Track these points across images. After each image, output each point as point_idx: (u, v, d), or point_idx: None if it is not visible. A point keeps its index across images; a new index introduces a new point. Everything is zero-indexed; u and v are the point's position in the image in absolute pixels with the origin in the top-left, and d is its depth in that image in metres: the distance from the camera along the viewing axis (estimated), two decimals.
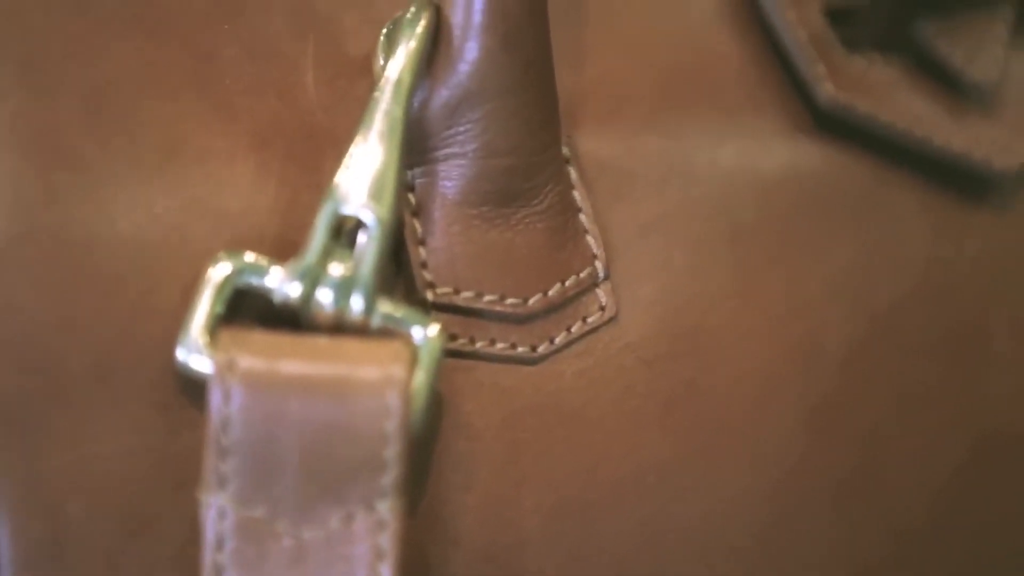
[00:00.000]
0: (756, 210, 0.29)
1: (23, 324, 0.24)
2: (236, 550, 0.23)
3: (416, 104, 0.26)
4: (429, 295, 0.26)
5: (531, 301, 0.27)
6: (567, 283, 0.27)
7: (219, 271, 0.24)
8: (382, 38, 0.26)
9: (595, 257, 0.28)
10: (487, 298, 0.26)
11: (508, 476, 0.26)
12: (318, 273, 0.24)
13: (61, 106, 0.25)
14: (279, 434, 0.23)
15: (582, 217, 0.28)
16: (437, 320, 0.26)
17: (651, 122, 0.29)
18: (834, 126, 0.30)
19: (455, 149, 0.26)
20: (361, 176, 0.25)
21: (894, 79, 0.30)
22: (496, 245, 0.27)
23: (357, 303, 0.24)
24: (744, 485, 0.28)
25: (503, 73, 0.26)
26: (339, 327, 0.24)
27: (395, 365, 0.24)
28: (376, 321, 0.25)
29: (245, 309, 0.25)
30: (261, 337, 0.24)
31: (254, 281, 0.24)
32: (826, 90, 0.29)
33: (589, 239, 0.28)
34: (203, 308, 0.24)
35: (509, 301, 0.27)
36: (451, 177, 0.26)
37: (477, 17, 0.26)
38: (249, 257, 0.25)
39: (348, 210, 0.24)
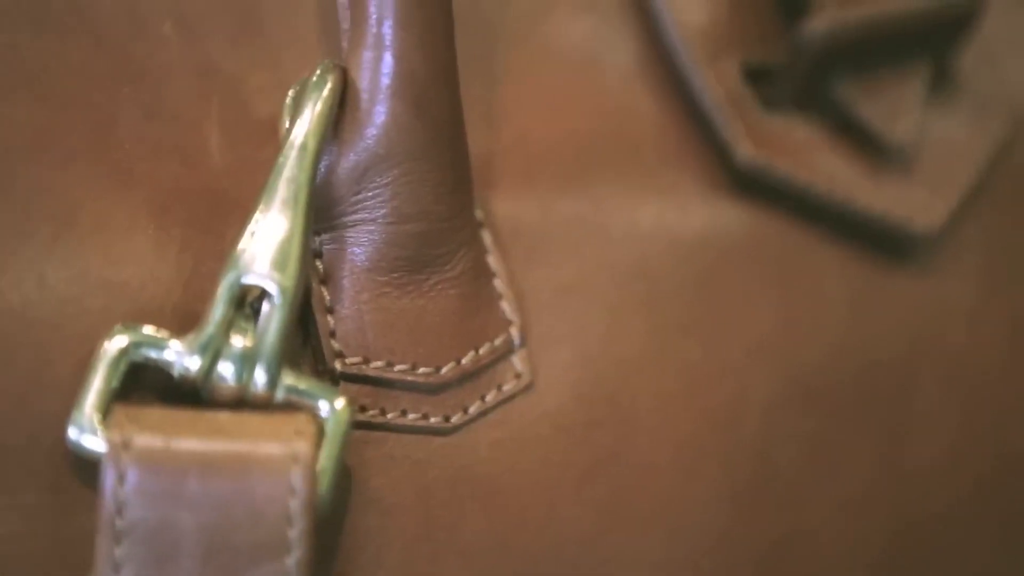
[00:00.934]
0: (674, 273, 0.28)
1: None
2: None
3: (323, 169, 0.25)
4: (337, 365, 0.25)
5: (444, 370, 0.26)
6: (481, 351, 0.26)
7: (114, 345, 0.23)
8: (288, 100, 0.25)
9: (510, 323, 0.27)
10: (398, 367, 0.25)
11: (421, 552, 0.25)
12: (219, 345, 0.23)
13: None
14: (177, 516, 0.22)
15: (497, 282, 0.27)
16: (346, 391, 0.25)
17: (567, 184, 0.28)
18: (753, 187, 0.29)
19: (364, 215, 0.25)
20: (264, 244, 0.24)
21: (813, 139, 0.30)
22: (407, 313, 0.26)
23: (260, 376, 0.23)
24: (666, 556, 0.27)
25: (412, 137, 0.25)
26: (242, 402, 0.23)
27: (299, 440, 0.23)
28: (280, 395, 0.23)
29: (144, 385, 0.24)
30: (158, 414, 0.23)
31: (152, 355, 0.23)
32: (744, 151, 0.29)
33: (504, 305, 0.27)
34: (96, 384, 0.23)
35: (421, 370, 0.26)
36: (360, 243, 0.25)
37: (385, 80, 0.25)
38: (147, 330, 0.23)
39: (251, 279, 0.23)
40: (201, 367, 0.23)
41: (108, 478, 0.22)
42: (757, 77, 0.30)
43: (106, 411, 0.23)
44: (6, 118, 0.24)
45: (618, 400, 0.27)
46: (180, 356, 0.23)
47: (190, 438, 0.22)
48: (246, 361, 0.23)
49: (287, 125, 0.25)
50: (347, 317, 0.25)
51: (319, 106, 0.24)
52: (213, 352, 0.23)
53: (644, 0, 0.30)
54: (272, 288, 0.23)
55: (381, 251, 0.25)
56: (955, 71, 0.31)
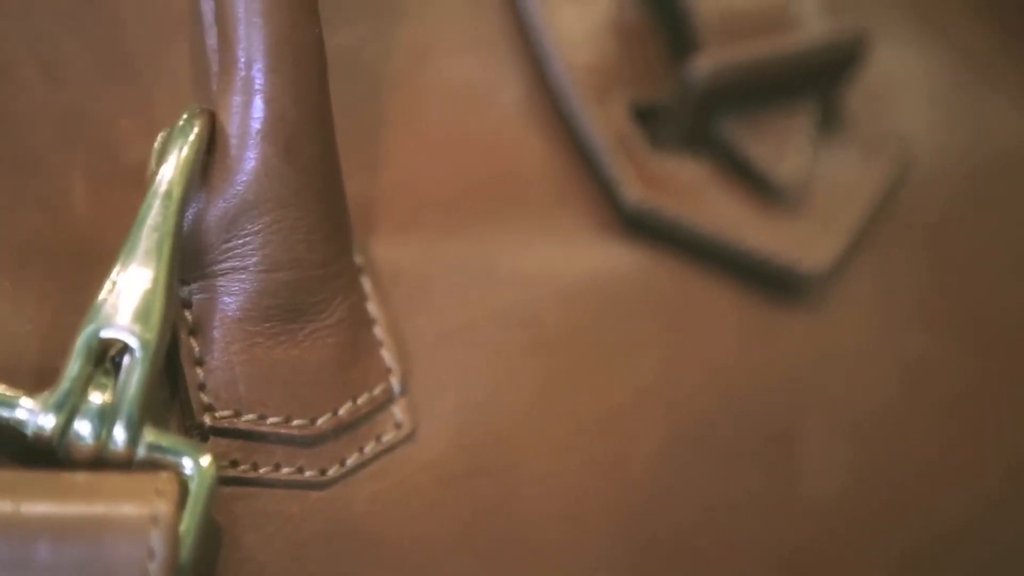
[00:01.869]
0: (561, 317, 0.27)
1: None
2: None
3: (191, 216, 0.24)
4: (207, 420, 0.24)
5: (319, 421, 0.25)
6: (359, 401, 0.25)
7: None
8: (156, 145, 0.24)
9: (390, 372, 0.25)
10: (271, 420, 0.24)
11: None
12: (76, 402, 0.22)
13: None
14: None
15: (377, 330, 0.26)
16: (216, 446, 0.23)
17: (452, 226, 0.27)
18: (642, 228, 0.28)
19: (235, 263, 0.24)
20: (126, 295, 0.22)
21: (702, 179, 0.29)
22: (281, 363, 0.24)
23: (120, 434, 0.22)
24: None
25: (283, 183, 0.24)
26: (100, 461, 0.22)
27: (160, 501, 0.21)
28: (142, 452, 0.22)
29: None
30: (9, 476, 0.21)
31: (3, 414, 0.22)
32: (632, 192, 0.28)
33: (384, 353, 0.26)
34: None
35: (295, 423, 0.24)
36: (231, 293, 0.24)
37: (255, 125, 0.23)
38: None
39: (110, 333, 0.22)
40: (56, 425, 0.22)
41: None
42: (646, 116, 0.29)
43: None
44: None
45: (503, 449, 0.26)
46: (33, 415, 0.22)
47: (42, 501, 0.21)
48: (105, 418, 0.22)
49: (154, 172, 0.24)
50: (217, 369, 0.24)
51: (185, 152, 0.23)
52: (70, 409, 0.22)
53: (531, 38, 0.29)
54: (133, 341, 0.22)
55: (253, 300, 0.24)
56: (843, 109, 0.30)
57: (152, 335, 0.22)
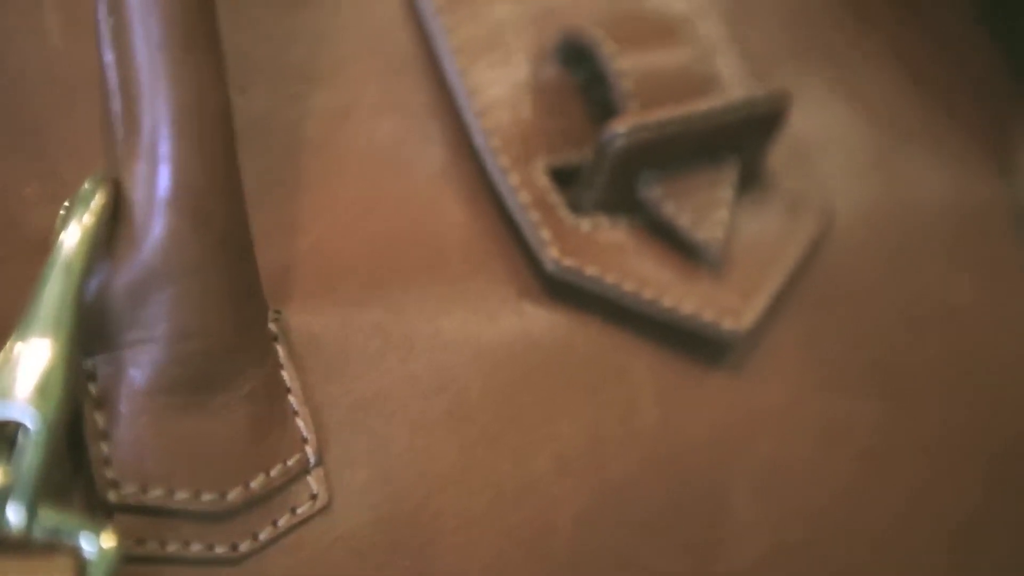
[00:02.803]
0: (481, 384, 0.26)
1: None
2: None
3: (96, 286, 0.22)
4: (111, 496, 0.22)
5: (230, 495, 0.23)
6: (273, 472, 0.24)
7: None
8: (61, 213, 0.23)
9: (305, 442, 0.24)
10: (179, 495, 0.23)
11: None
12: None
13: None
14: None
15: (291, 399, 0.24)
16: (121, 524, 0.22)
17: (369, 292, 0.26)
18: (563, 291, 0.27)
19: (142, 334, 0.23)
20: (23, 370, 0.21)
21: (623, 241, 0.28)
22: (190, 436, 0.23)
23: (15, 514, 0.21)
24: None
25: (191, 251, 0.22)
26: None
27: None
28: (39, 533, 0.21)
29: None
30: None
31: None
32: (552, 255, 0.27)
33: (299, 422, 0.24)
34: None
35: (205, 497, 0.23)
36: (138, 364, 0.23)
37: (160, 192, 0.22)
38: None
39: (6, 410, 0.21)
40: None
41: None
42: (565, 179, 0.28)
43: None
44: None
45: (421, 520, 0.25)
46: None
47: None
48: None
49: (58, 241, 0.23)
50: (124, 443, 0.23)
51: (87, 220, 0.22)
52: None
53: (451, 100, 0.28)
54: (29, 418, 0.21)
55: (161, 371, 0.23)
56: (765, 170, 0.30)
57: (50, 411, 0.21)
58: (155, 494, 0.23)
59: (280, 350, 0.25)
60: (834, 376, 0.29)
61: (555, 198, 0.28)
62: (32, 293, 0.22)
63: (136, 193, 0.22)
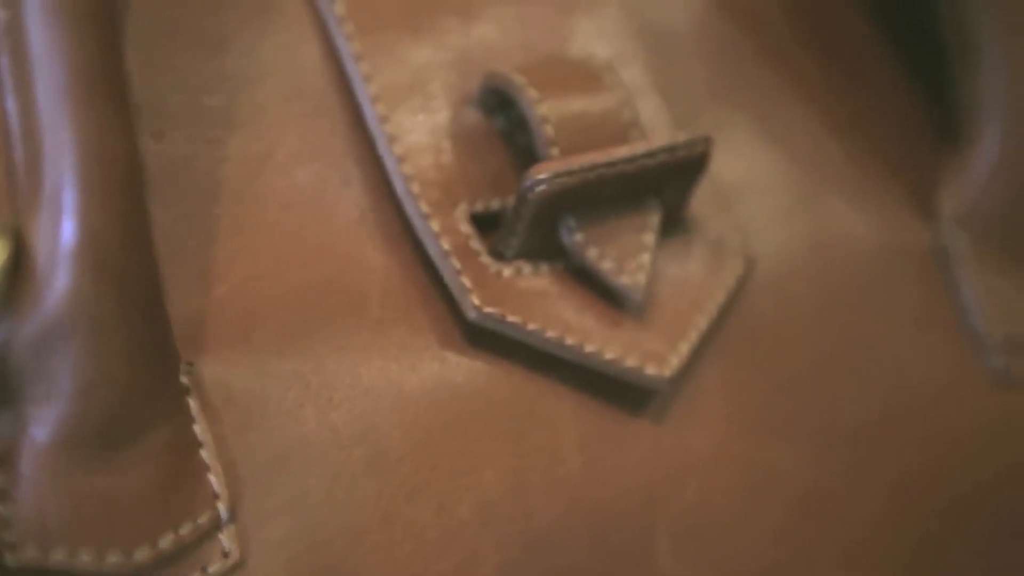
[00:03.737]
0: (402, 433, 0.25)
1: None
2: None
3: None
4: (10, 560, 0.21)
5: (137, 555, 0.22)
6: (182, 530, 0.22)
7: None
8: None
9: (216, 497, 0.23)
10: (83, 557, 0.21)
11: None
12: None
13: None
14: None
15: (203, 453, 0.23)
16: None
17: (287, 341, 0.25)
18: (485, 339, 0.26)
19: (45, 389, 0.21)
20: None
21: (544, 288, 0.27)
22: (95, 494, 0.22)
23: None
24: None
25: (96, 304, 0.21)
26: None
27: None
28: None
29: None
30: None
31: None
32: (473, 303, 0.26)
33: (211, 477, 0.23)
34: None
35: (110, 558, 0.22)
36: (41, 420, 0.21)
37: (64, 243, 0.21)
38: None
39: None
40: None
41: None
42: (488, 225, 0.27)
43: None
44: None
45: (341, 573, 0.24)
46: None
47: None
48: None
49: None
50: (24, 503, 0.21)
51: None
52: None
53: (373, 146, 0.27)
54: None
55: (65, 428, 0.21)
56: (688, 213, 0.29)
57: None
58: (57, 557, 0.21)
59: (192, 403, 0.23)
60: (760, 422, 0.28)
61: (477, 245, 0.27)
62: None
63: (39, 244, 0.21)
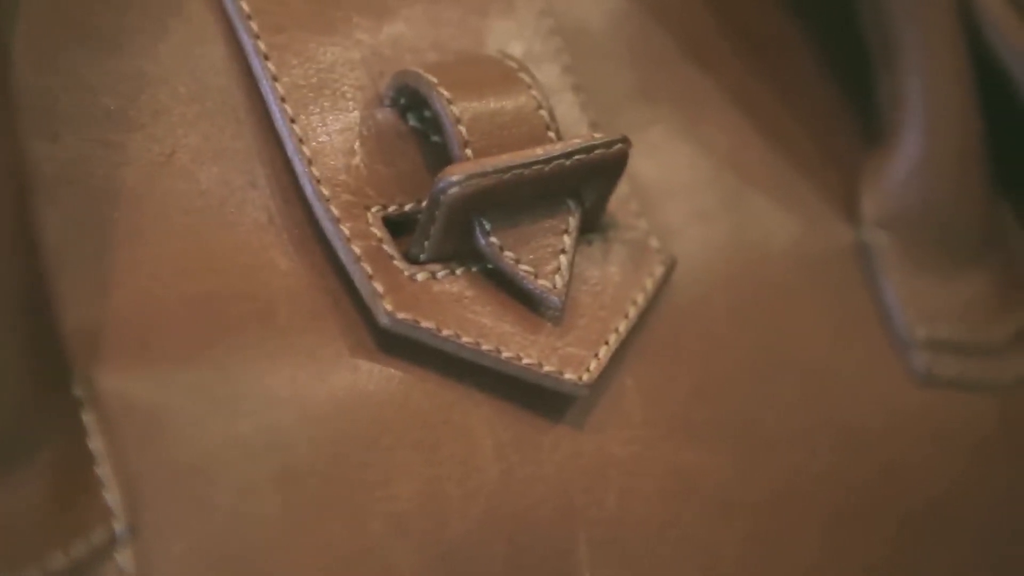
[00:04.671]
0: (311, 444, 0.23)
1: None
2: None
3: None
4: None
5: (25, 574, 0.20)
6: (73, 549, 0.21)
7: None
8: None
9: (111, 514, 0.21)
10: None
11: None
12: None
13: None
14: None
15: (99, 469, 0.22)
16: None
17: (191, 351, 0.23)
18: (398, 345, 0.25)
19: None
20: None
21: (459, 292, 0.25)
22: None
23: None
24: None
25: None
26: None
27: None
28: None
29: None
30: None
31: None
32: (385, 308, 0.24)
33: (105, 494, 0.22)
34: None
35: None
36: None
37: None
38: None
39: None
40: None
41: None
42: (401, 228, 0.26)
43: None
44: None
45: None
46: None
47: None
48: None
49: None
50: None
51: None
52: None
53: (281, 147, 0.26)
54: None
55: None
56: (606, 214, 0.27)
57: None
58: None
59: (87, 417, 0.22)
60: (681, 427, 0.26)
61: (390, 248, 0.25)
62: None
63: None
